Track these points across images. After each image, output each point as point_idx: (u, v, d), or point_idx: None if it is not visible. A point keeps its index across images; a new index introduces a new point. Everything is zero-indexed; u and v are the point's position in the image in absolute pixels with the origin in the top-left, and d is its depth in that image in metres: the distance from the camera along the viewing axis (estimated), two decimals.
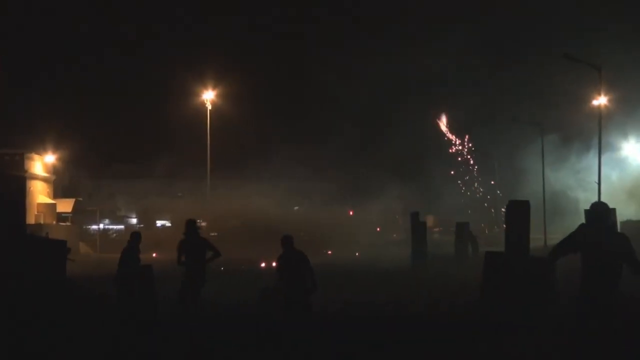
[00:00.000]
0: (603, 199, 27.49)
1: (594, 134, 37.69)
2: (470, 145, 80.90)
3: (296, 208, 58.42)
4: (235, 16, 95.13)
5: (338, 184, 62.41)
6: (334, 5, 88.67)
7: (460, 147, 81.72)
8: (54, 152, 60.77)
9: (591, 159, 44.88)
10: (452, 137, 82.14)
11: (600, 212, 8.75)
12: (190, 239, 14.58)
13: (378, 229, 57.05)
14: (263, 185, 62.98)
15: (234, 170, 66.23)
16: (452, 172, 77.46)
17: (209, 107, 59.57)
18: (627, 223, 30.96)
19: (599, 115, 37.27)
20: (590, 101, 47.96)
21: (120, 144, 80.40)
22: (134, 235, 14.62)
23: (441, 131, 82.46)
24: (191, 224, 14.72)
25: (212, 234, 48.46)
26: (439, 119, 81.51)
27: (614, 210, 18.14)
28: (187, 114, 63.04)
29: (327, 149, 62.63)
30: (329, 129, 66.50)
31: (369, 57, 71.81)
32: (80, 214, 61.74)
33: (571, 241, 8.82)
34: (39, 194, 57.83)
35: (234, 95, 63.61)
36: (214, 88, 60.58)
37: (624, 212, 35.21)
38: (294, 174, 60.26)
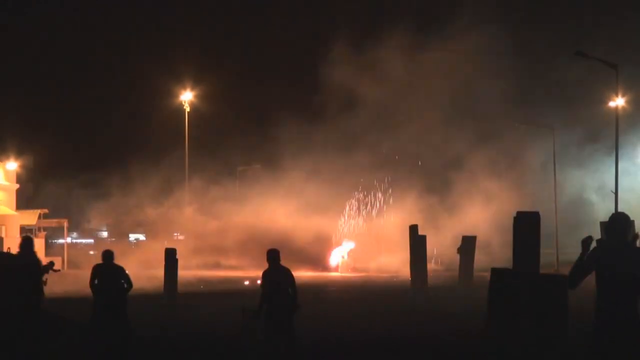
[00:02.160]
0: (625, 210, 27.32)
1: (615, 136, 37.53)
2: None
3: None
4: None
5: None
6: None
7: None
8: (16, 159, 60.47)
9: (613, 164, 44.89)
10: None
11: (618, 225, 8.36)
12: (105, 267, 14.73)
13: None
14: (250, 190, 62.35)
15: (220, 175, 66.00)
16: None
17: (187, 108, 59.56)
18: None
19: (616, 117, 37.38)
20: (606, 102, 48.15)
21: (92, 151, 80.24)
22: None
23: None
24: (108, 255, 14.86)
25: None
26: None
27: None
28: (166, 117, 63.04)
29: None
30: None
31: None
32: (47, 227, 61.38)
33: (589, 261, 8.30)
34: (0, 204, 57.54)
35: (213, 96, 63.60)
36: (192, 88, 60.73)
37: None
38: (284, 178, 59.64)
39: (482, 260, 31.87)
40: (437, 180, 55.81)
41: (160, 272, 27.64)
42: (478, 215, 48.95)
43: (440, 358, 13.76)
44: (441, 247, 43.71)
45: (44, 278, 23.07)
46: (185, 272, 32.03)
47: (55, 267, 17.05)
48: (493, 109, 54.30)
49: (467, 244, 32.13)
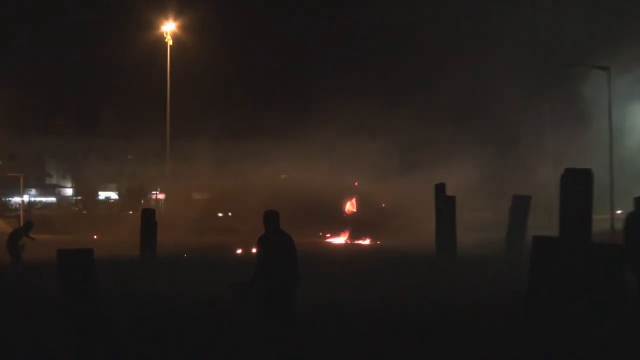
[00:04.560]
0: None
1: None
2: None
3: (283, 176, 57.96)
4: None
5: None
6: None
7: None
8: None
9: None
10: None
11: None
12: None
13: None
14: (240, 145, 62.60)
15: (205, 126, 65.94)
16: None
17: (170, 42, 59.37)
18: None
19: None
20: None
21: (54, 91, 79.56)
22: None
23: None
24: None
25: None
26: None
27: None
28: (143, 52, 62.83)
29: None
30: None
31: None
32: None
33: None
34: None
35: (199, 28, 63.37)
36: (175, 18, 60.54)
37: None
38: (280, 130, 59.69)
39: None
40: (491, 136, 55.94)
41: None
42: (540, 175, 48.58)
43: (468, 341, 13.80)
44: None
45: (20, 242, 23.54)
46: (166, 237, 32.27)
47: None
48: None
49: (520, 205, 31.30)
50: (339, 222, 48.29)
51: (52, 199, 68.45)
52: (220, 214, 55.37)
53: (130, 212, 55.61)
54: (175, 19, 60.41)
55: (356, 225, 46.64)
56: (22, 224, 31.84)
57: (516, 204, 31.38)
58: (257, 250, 13.18)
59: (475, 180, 48.19)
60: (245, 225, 43.02)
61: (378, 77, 64.17)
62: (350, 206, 50.11)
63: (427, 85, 56.50)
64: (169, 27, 59.91)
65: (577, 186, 16.55)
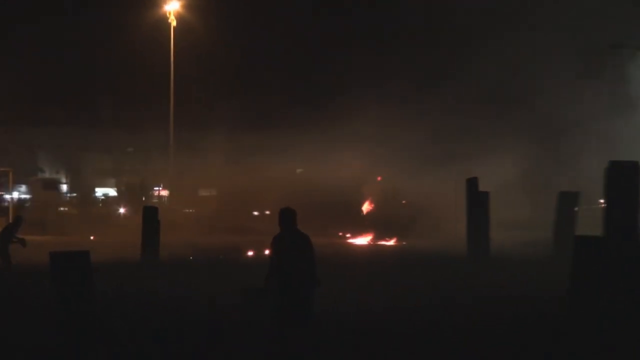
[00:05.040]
0: None
1: None
2: None
3: (299, 171, 57.76)
4: None
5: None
6: None
7: None
8: None
9: None
10: None
11: None
12: None
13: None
14: (252, 137, 62.13)
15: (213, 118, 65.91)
16: None
17: (173, 22, 59.23)
18: None
19: None
20: None
21: (48, 78, 79.11)
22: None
23: None
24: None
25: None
26: None
27: None
28: (145, 34, 62.58)
29: None
30: None
31: None
32: None
33: None
34: None
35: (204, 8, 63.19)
36: None
37: None
38: (297, 120, 59.33)
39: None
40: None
41: None
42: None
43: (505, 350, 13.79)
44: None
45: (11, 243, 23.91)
46: (172, 237, 32.71)
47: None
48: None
49: (566, 202, 31.07)
50: (361, 221, 48.17)
51: None
52: (255, 213, 54.86)
53: (122, 211, 55.64)
54: None
55: (380, 224, 46.53)
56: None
57: (563, 201, 31.16)
58: (271, 251, 13.07)
59: (513, 174, 47.73)
60: (260, 224, 43.02)
61: (408, 60, 63.52)
62: (371, 203, 49.90)
63: (462, 72, 56.26)
64: (172, 7, 59.60)
65: (622, 180, 16.48)
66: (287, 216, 12.94)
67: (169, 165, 58.30)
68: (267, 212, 51.55)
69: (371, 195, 49.93)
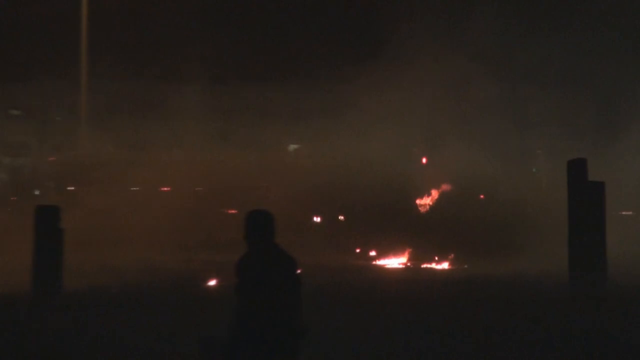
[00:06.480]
0: None
1: None
2: None
3: (293, 147, 48.27)
4: None
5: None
6: None
7: None
8: None
9: None
10: None
11: None
12: None
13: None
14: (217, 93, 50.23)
15: None
16: None
17: None
18: None
19: None
20: None
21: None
22: None
23: None
24: None
25: None
26: None
27: None
28: None
29: None
30: None
31: None
32: None
33: None
34: None
35: None
36: None
37: None
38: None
39: None
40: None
41: None
42: None
43: None
44: None
45: None
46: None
47: None
48: None
49: None
50: (394, 230, 36.61)
51: None
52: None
53: None
54: None
55: (424, 236, 34.97)
56: None
57: None
58: (236, 284, 9.46)
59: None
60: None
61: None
62: (420, 201, 38.31)
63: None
64: None
65: None
66: (257, 224, 9.12)
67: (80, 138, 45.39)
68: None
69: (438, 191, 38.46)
